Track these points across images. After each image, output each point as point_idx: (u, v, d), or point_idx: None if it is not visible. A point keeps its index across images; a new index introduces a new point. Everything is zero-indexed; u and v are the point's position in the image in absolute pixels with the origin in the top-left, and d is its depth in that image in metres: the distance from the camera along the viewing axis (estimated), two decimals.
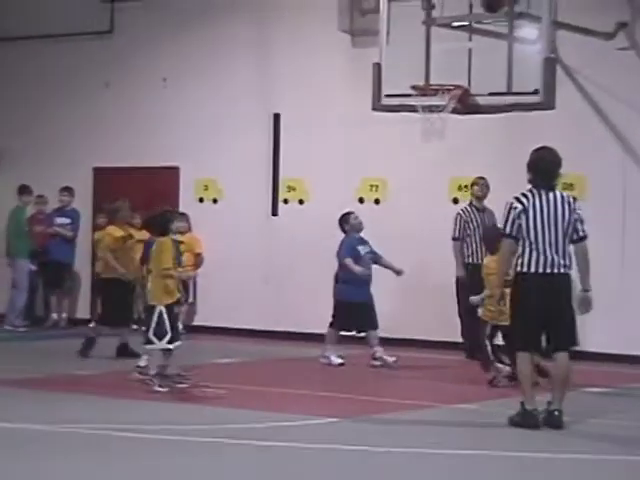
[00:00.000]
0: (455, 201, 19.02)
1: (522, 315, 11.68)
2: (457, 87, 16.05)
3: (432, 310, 18.85)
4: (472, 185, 18.18)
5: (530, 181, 12.04)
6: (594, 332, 17.32)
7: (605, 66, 17.68)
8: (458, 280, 17.90)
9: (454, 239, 17.95)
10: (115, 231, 16.97)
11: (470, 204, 18.11)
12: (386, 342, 17.13)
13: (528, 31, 16.28)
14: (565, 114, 16.70)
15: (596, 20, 17.19)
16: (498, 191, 17.73)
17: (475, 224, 17.84)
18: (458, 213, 17.99)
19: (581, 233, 11.70)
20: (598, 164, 17.94)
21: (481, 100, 16.12)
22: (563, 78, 16.86)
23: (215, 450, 10.17)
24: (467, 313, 16.68)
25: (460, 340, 18.14)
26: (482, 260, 15.96)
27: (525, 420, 11.47)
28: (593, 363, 17.03)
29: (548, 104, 15.54)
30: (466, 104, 16.08)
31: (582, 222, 11.73)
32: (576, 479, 9.59)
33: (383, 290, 17.49)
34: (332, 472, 9.49)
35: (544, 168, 11.96)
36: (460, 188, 19.05)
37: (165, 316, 13.64)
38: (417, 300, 19.12)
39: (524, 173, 17.64)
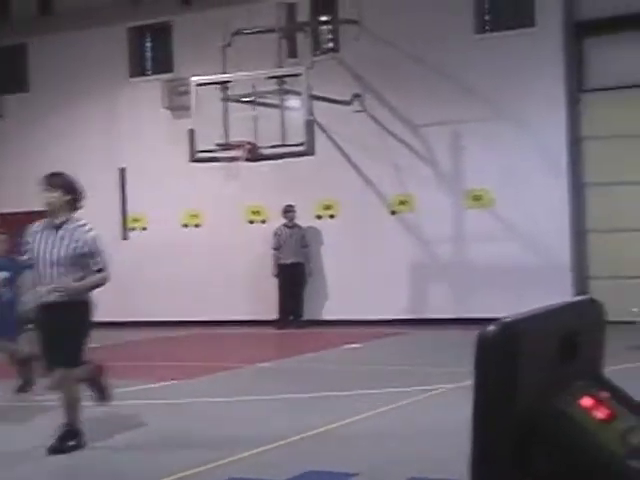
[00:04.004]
0: (251, 222, 19.06)
1: (86, 334, 8.33)
2: (247, 143, 16.12)
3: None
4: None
5: (76, 206, 8.46)
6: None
7: (347, 123, 17.91)
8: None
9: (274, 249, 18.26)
10: None
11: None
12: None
13: (294, 101, 16.43)
14: (321, 158, 16.87)
15: (339, 92, 17.42)
16: (276, 212, 18.01)
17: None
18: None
19: None
20: (346, 191, 18.18)
21: (265, 151, 16.23)
22: (319, 133, 17.03)
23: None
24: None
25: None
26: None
27: None
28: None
29: (310, 152, 15.76)
30: (254, 154, 16.18)
31: None
32: None
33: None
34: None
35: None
36: (253, 213, 19.10)
37: None
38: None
39: (295, 200, 18.09)
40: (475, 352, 1.58)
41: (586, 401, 1.73)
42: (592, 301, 2.01)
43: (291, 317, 18.21)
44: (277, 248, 18.28)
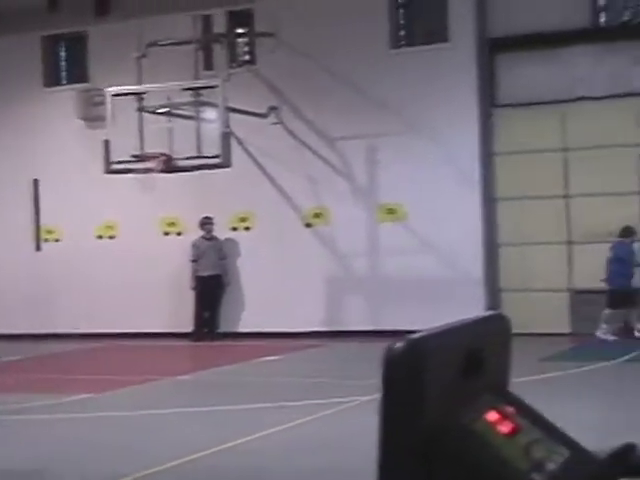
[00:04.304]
0: (166, 234, 18.94)
1: None
2: (163, 154, 16.05)
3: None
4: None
5: None
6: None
7: (263, 136, 17.91)
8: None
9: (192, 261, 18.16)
10: None
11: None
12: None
13: (210, 113, 16.40)
14: (237, 170, 16.84)
15: (255, 105, 17.41)
16: (192, 224, 17.94)
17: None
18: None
19: None
20: (261, 203, 18.17)
21: (180, 162, 16.16)
22: (235, 145, 17.01)
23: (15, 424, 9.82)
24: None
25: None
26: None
27: None
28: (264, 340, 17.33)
29: (226, 164, 15.74)
30: (169, 166, 16.10)
31: None
32: None
33: None
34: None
35: None
36: (169, 225, 18.98)
37: None
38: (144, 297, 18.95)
39: (211, 212, 18.06)
40: (382, 369, 1.60)
41: (491, 416, 1.76)
42: (499, 316, 2.04)
43: (205, 329, 18.11)
44: (195, 260, 18.16)
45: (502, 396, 1.86)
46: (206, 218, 18.18)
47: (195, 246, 18.19)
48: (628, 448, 1.79)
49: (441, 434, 1.62)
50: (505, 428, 1.74)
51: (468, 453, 1.64)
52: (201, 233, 18.27)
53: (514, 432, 1.75)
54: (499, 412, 1.78)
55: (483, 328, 1.93)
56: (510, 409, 1.82)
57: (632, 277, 15.63)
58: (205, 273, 18.05)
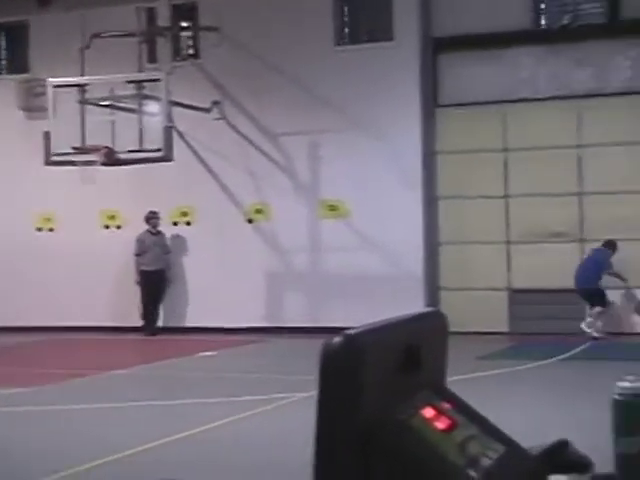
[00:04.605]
0: (106, 227, 18.76)
1: None
2: (105, 147, 15.90)
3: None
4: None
5: None
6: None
7: (206, 131, 17.83)
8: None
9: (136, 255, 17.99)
10: None
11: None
12: None
13: (153, 107, 16.29)
14: (179, 164, 16.75)
15: (198, 99, 17.34)
16: (132, 218, 17.79)
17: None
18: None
19: None
20: (203, 198, 18.08)
21: (122, 155, 16.03)
22: (177, 139, 16.91)
23: None
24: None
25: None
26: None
27: None
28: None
29: (168, 158, 15.66)
30: (111, 159, 15.96)
31: None
32: None
33: None
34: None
35: None
36: (109, 218, 18.80)
37: None
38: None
39: (152, 206, 17.92)
40: (319, 363, 1.59)
41: (427, 412, 1.76)
42: (436, 313, 2.05)
43: (151, 324, 17.95)
44: (139, 254, 17.99)
45: (439, 393, 1.87)
46: (152, 212, 18.03)
47: (140, 240, 18.01)
48: (561, 445, 1.81)
49: (378, 429, 1.62)
50: (441, 424, 1.75)
51: (404, 448, 1.64)
52: (144, 227, 18.11)
53: (450, 428, 1.76)
54: (436, 408, 1.79)
55: (420, 325, 1.94)
56: (446, 405, 1.83)
57: (599, 280, 15.77)
58: (149, 267, 17.90)
